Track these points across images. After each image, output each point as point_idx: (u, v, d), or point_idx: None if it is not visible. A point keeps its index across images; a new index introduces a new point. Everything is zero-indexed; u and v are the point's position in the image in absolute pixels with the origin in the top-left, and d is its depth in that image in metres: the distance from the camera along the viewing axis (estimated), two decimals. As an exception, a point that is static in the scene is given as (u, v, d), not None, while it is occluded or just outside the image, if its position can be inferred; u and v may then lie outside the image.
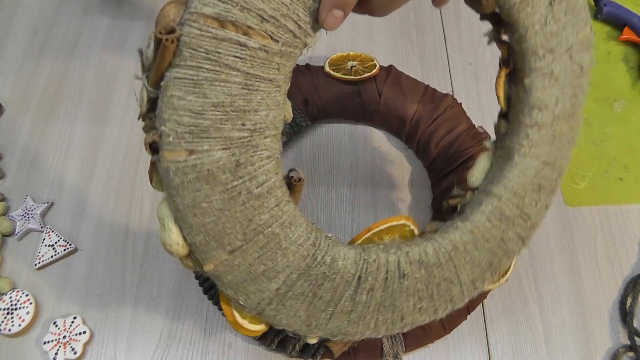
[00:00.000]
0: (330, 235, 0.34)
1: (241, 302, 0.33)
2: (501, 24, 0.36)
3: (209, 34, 0.27)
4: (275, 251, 0.31)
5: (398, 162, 0.56)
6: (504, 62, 0.38)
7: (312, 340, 0.37)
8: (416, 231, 0.40)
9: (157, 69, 0.28)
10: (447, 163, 0.52)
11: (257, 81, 0.28)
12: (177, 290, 0.50)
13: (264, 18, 0.27)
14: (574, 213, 0.54)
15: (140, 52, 0.28)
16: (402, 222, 0.39)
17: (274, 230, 0.31)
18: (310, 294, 0.33)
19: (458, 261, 0.36)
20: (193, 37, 0.27)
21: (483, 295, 0.48)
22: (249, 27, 0.27)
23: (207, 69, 0.28)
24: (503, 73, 0.37)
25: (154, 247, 0.52)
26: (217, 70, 0.28)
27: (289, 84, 0.31)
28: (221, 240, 0.30)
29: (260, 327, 0.38)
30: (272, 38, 0.27)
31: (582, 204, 0.54)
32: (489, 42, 0.38)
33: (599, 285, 0.50)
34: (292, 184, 0.34)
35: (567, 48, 0.35)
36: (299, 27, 0.28)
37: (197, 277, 0.49)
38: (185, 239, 0.31)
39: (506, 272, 0.42)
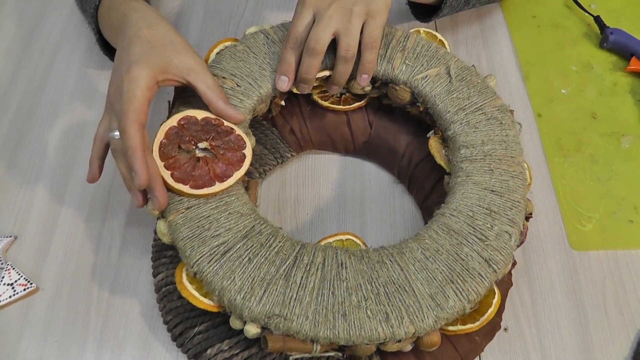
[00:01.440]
0: (277, 226, 0.43)
1: (187, 254, 0.40)
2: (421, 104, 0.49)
3: None
4: (222, 214, 0.41)
5: (389, 198, 0.54)
6: (433, 128, 0.49)
7: (252, 329, 0.38)
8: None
9: (173, 99, 0.48)
10: (442, 201, 0.48)
11: None
12: (144, 336, 0.46)
13: (233, 75, 0.48)
14: (580, 258, 0.51)
15: (169, 102, 0.49)
16: (348, 237, 0.45)
17: (224, 198, 0.42)
18: (246, 259, 0.40)
19: (405, 265, 0.40)
20: None
21: (480, 347, 0.45)
22: (224, 77, 0.47)
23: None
24: (432, 140, 0.48)
25: (121, 287, 0.48)
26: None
27: (252, 115, 0.47)
28: (182, 198, 0.42)
29: (203, 299, 0.40)
30: (237, 84, 0.47)
31: (588, 247, 0.51)
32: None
33: (609, 338, 0.47)
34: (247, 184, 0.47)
35: (477, 108, 0.47)
36: (255, 81, 0.48)
37: (165, 322, 0.46)
38: None
39: (485, 307, 0.41)
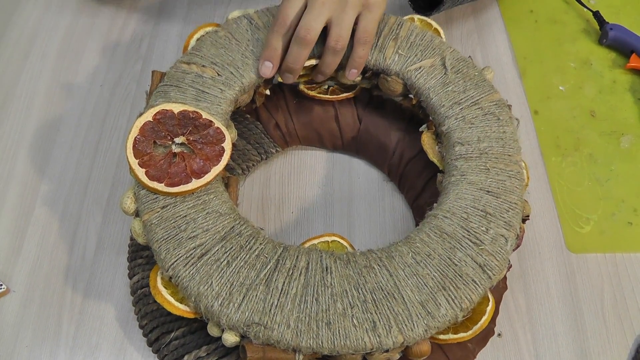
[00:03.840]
0: (260, 228, 0.41)
1: (161, 257, 0.38)
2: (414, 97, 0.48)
3: (180, 69, 0.45)
4: (199, 213, 0.39)
5: (378, 197, 0.52)
6: (426, 123, 0.48)
7: (230, 337, 0.37)
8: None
9: (150, 89, 0.45)
10: (434, 201, 0.46)
11: (205, 94, 0.44)
12: (118, 342, 0.44)
13: (213, 63, 0.45)
14: (578, 261, 0.49)
15: (146, 92, 0.46)
16: (333, 238, 0.43)
17: (202, 197, 0.40)
18: (224, 263, 0.37)
19: (394, 270, 0.38)
20: (171, 72, 0.45)
21: (472, 354, 0.43)
22: (204, 66, 0.45)
23: (174, 86, 0.44)
24: (424, 135, 0.46)
25: (96, 290, 0.46)
26: (180, 87, 0.44)
27: (233, 107, 0.45)
28: (157, 196, 0.40)
29: (179, 305, 0.38)
30: (218, 74, 0.45)
31: (586, 250, 0.49)
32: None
33: (607, 345, 0.45)
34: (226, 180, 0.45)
35: (474, 102, 0.44)
36: (237, 70, 0.45)
37: (141, 327, 0.44)
38: (135, 197, 0.40)
39: (479, 315, 0.39)
